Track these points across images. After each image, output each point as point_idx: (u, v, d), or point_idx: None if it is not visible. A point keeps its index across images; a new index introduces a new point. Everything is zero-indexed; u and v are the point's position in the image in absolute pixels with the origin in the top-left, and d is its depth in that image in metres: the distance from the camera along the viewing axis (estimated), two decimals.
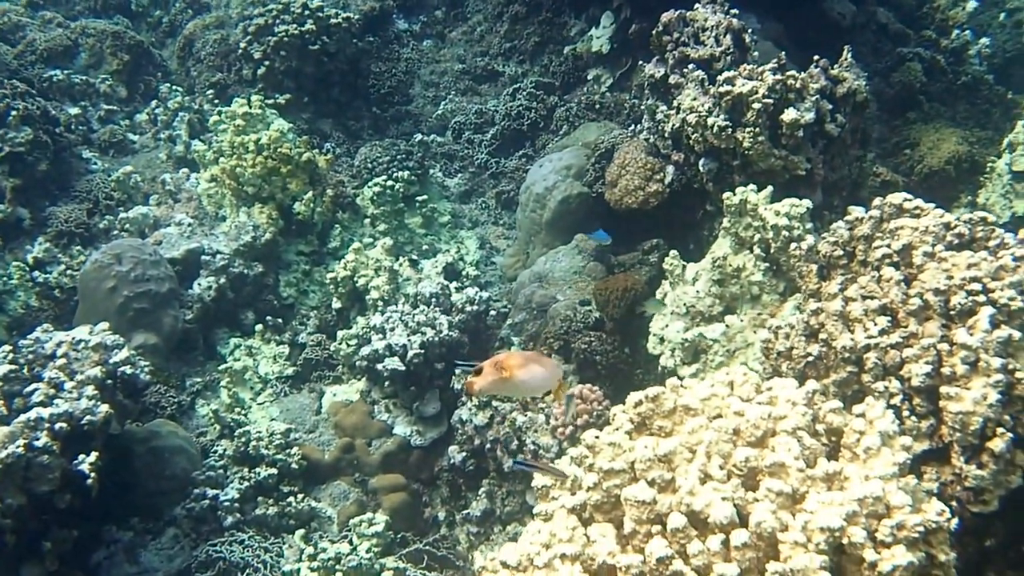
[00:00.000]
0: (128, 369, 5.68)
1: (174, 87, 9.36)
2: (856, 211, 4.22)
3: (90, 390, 5.29)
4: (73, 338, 5.65)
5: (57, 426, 4.99)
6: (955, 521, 3.39)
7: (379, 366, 6.15)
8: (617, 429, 3.23)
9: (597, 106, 8.50)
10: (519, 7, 9.71)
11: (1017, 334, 3.38)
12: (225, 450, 6.17)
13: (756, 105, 5.52)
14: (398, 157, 8.27)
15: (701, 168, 5.97)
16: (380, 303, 6.80)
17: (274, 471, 6.02)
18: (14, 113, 7.87)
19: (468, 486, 5.91)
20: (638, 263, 6.65)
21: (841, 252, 4.19)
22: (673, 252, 5.64)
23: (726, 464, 2.89)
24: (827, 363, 3.85)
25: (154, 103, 9.27)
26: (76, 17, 10.59)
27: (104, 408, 5.24)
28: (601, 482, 2.99)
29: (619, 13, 8.55)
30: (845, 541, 2.65)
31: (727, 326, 5.19)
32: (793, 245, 4.53)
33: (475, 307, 6.40)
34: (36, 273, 7.47)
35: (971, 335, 3.42)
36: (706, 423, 3.03)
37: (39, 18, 10.33)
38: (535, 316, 6.58)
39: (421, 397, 6.20)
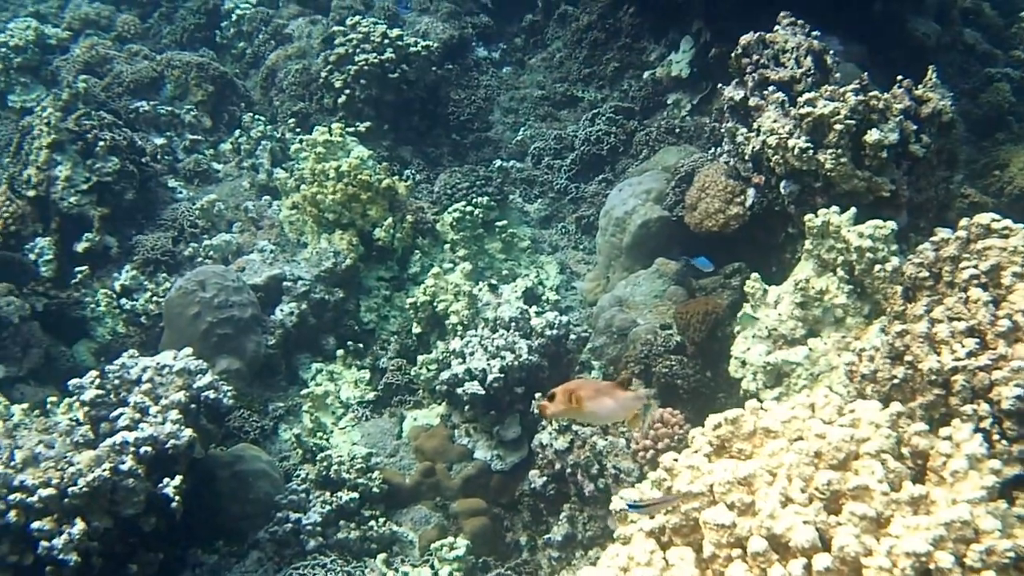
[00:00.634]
0: (212, 394, 5.76)
1: (256, 116, 9.49)
2: (942, 232, 4.14)
3: (174, 414, 5.37)
4: (158, 363, 5.74)
5: (142, 450, 5.08)
6: None
7: (459, 390, 6.15)
8: (696, 452, 3.19)
9: (677, 130, 8.47)
10: (598, 33, 9.74)
11: None
12: (307, 474, 6.21)
13: (838, 126, 5.45)
14: (477, 183, 8.31)
15: (782, 190, 5.91)
16: (459, 328, 6.81)
17: (355, 495, 6.04)
18: (101, 143, 8.04)
19: (549, 510, 5.87)
20: (720, 287, 6.59)
21: (927, 273, 4.10)
22: (754, 275, 5.58)
23: (807, 487, 2.84)
24: (913, 386, 3.77)
25: (237, 132, 9.42)
26: (162, 50, 10.81)
27: (188, 432, 5.31)
28: (679, 505, 2.95)
29: (698, 37, 8.55)
30: (932, 567, 2.58)
31: (810, 349, 5.11)
32: (878, 267, 4.47)
33: (555, 331, 6.37)
34: (123, 300, 7.61)
35: None
36: (787, 445, 2.98)
37: (126, 51, 10.57)
38: (615, 340, 6.55)
39: (501, 421, 6.19)
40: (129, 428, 5.22)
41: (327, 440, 6.65)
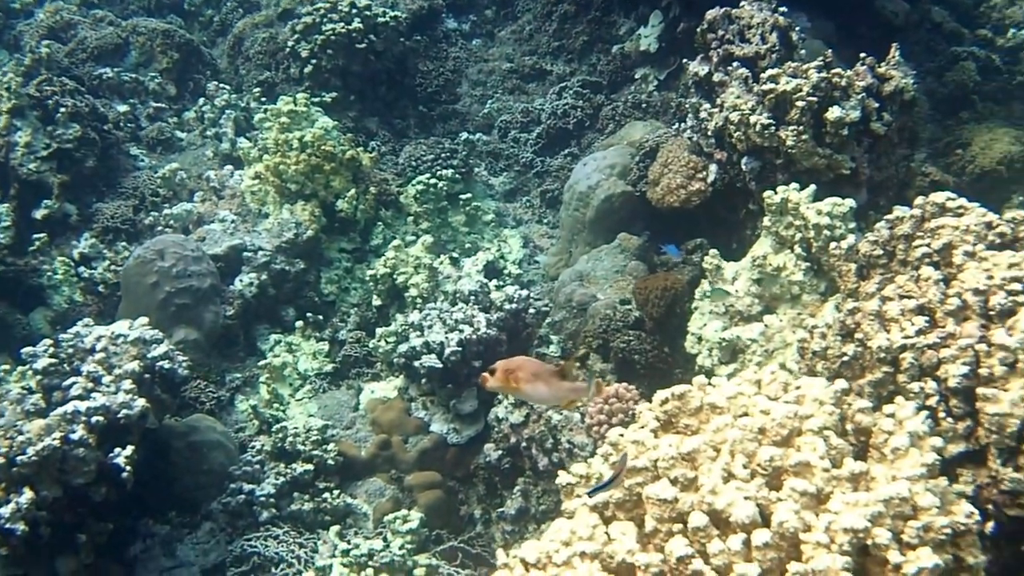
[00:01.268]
0: (166, 364, 5.70)
1: (221, 85, 9.39)
2: (899, 210, 4.13)
3: (128, 384, 5.31)
4: (112, 333, 5.67)
5: (94, 419, 5.03)
6: (991, 524, 3.33)
7: (416, 363, 6.11)
8: (643, 427, 3.18)
9: (644, 105, 8.44)
10: (568, 6, 9.68)
11: None
12: (263, 446, 6.17)
13: (800, 103, 5.43)
14: (442, 155, 8.26)
15: (744, 167, 5.89)
16: (419, 300, 6.77)
17: (310, 467, 6.01)
18: (63, 110, 7.94)
19: (504, 484, 5.86)
20: (681, 262, 6.57)
21: (881, 251, 4.10)
22: (713, 251, 5.57)
23: (750, 463, 2.83)
24: (863, 363, 3.77)
25: (201, 101, 9.31)
26: (129, 16, 10.70)
27: (141, 402, 5.25)
28: (623, 480, 2.93)
29: (668, 12, 8.50)
30: (870, 542, 2.58)
31: (766, 326, 5.11)
32: (833, 244, 4.45)
33: (514, 305, 6.33)
34: (81, 268, 7.54)
35: (1010, 336, 3.33)
36: (732, 421, 2.97)
37: (91, 16, 10.43)
38: (575, 315, 6.53)
39: (458, 395, 6.15)
40: (81, 397, 5.16)
41: (283, 411, 6.61)
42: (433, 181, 7.94)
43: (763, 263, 5.18)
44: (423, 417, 6.27)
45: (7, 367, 5.64)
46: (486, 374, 3.21)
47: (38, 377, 5.32)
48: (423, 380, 6.19)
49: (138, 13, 10.89)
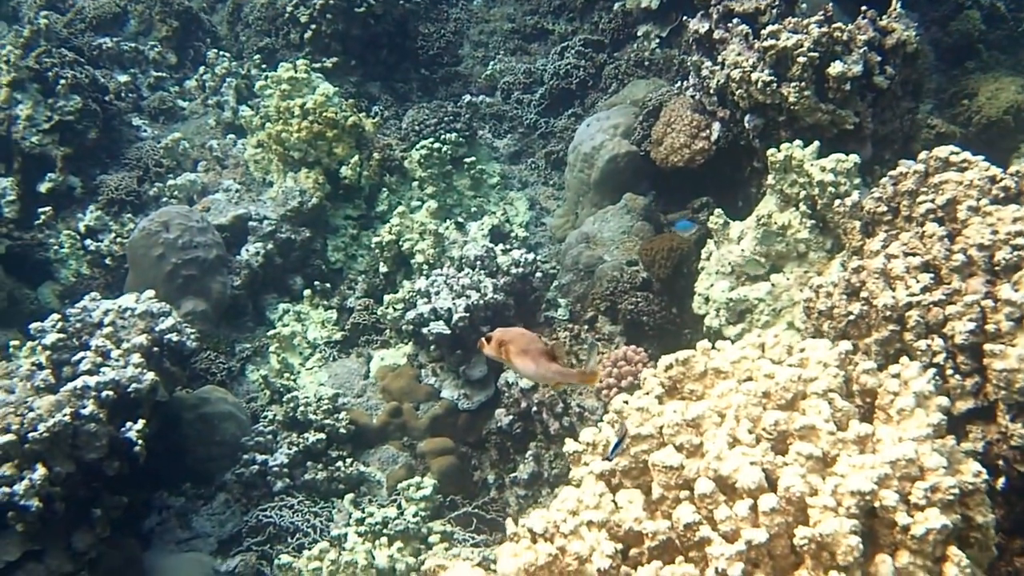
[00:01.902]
0: (174, 336, 5.72)
1: (221, 52, 9.35)
2: (903, 165, 4.09)
3: (136, 358, 5.32)
4: (120, 306, 5.68)
5: (104, 394, 5.04)
6: (1002, 480, 3.33)
7: (425, 330, 6.11)
8: (648, 393, 3.17)
9: (646, 63, 8.38)
10: None
11: None
12: (275, 415, 6.19)
13: (801, 59, 5.39)
14: (445, 119, 8.21)
15: (747, 124, 5.85)
16: (425, 267, 6.77)
17: (322, 436, 6.03)
18: (63, 82, 7.91)
19: (516, 449, 5.87)
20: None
21: (885, 208, 4.07)
22: (717, 211, 5.54)
23: (755, 428, 2.82)
24: (869, 322, 3.75)
25: (202, 69, 9.28)
26: None
27: (150, 376, 5.27)
28: (629, 447, 2.93)
29: None
30: (877, 505, 2.58)
31: (773, 285, 5.09)
32: (837, 201, 4.43)
33: (521, 269, 6.33)
34: (88, 241, 7.54)
35: (1016, 291, 3.32)
36: (736, 386, 2.96)
37: None
38: (582, 277, 6.53)
39: (468, 360, 6.16)
40: (91, 372, 5.17)
41: (294, 381, 6.63)
42: (437, 145, 7.91)
43: (768, 221, 5.15)
44: (433, 383, 6.27)
45: (16, 343, 5.64)
46: (484, 339, 3.24)
47: (47, 352, 5.33)
48: (432, 347, 6.20)
49: None
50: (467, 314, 6.02)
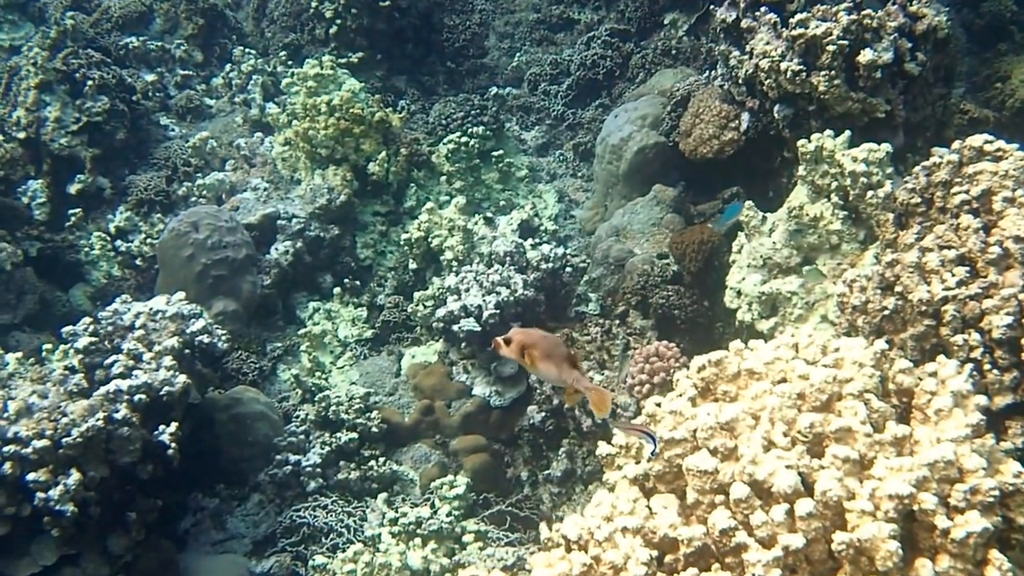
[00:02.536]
0: (205, 338, 5.72)
1: (247, 50, 9.34)
2: (936, 154, 4.03)
3: (168, 360, 5.34)
4: (151, 309, 5.70)
5: (136, 398, 5.06)
6: None
7: (455, 327, 6.10)
8: (680, 395, 3.13)
9: (673, 52, 8.32)
10: None
11: None
12: (307, 415, 6.19)
13: (831, 47, 5.32)
14: (472, 112, 8.19)
15: (776, 114, 5.80)
16: (455, 263, 6.75)
17: (355, 435, 6.02)
18: (90, 83, 7.94)
19: (549, 445, 5.84)
20: (718, 212, 6.52)
21: (919, 199, 4.02)
22: (749, 203, 5.49)
23: (790, 430, 2.78)
24: (904, 316, 3.70)
25: (228, 67, 9.28)
26: None
27: (182, 378, 5.28)
28: (663, 451, 2.90)
29: None
30: (916, 508, 2.53)
31: (805, 278, 5.04)
32: (870, 193, 4.37)
33: (550, 264, 6.29)
34: (118, 242, 7.56)
35: None
36: (770, 388, 2.92)
37: None
38: (612, 271, 6.48)
39: (499, 357, 6.12)
40: (123, 376, 5.19)
41: (326, 380, 6.63)
42: (464, 139, 7.88)
43: (800, 213, 5.10)
44: (465, 381, 6.25)
45: (49, 346, 5.67)
46: (500, 340, 3.16)
47: (79, 356, 5.35)
48: (463, 344, 6.18)
49: None
50: (497, 311, 5.99)
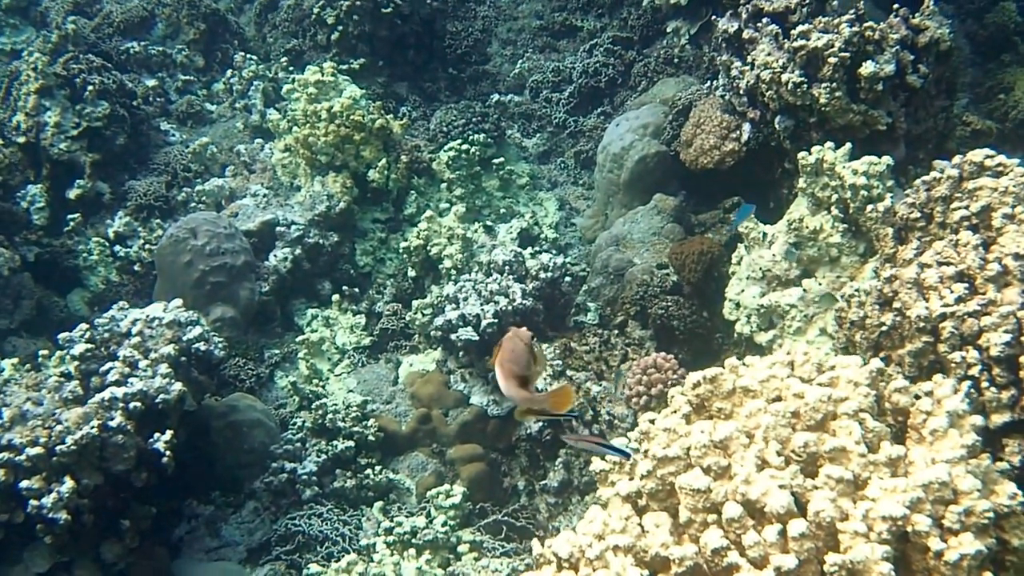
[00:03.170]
0: (202, 346, 5.70)
1: (248, 56, 9.32)
2: (937, 168, 4.00)
3: (164, 368, 5.31)
4: (148, 316, 5.67)
5: (131, 406, 5.04)
6: None
7: (453, 336, 6.08)
8: (675, 412, 3.11)
9: (676, 60, 8.29)
10: None
11: None
12: (303, 422, 6.16)
13: (832, 59, 5.30)
14: (473, 120, 8.17)
15: (777, 126, 5.77)
16: (453, 272, 6.73)
17: (351, 443, 5.99)
18: (91, 88, 7.92)
19: (546, 456, 5.81)
20: (718, 222, 6.50)
21: (919, 214, 3.99)
22: (750, 215, 5.46)
23: (785, 450, 2.76)
24: (902, 332, 3.68)
25: (229, 72, 9.27)
26: None
27: (178, 386, 5.26)
28: (655, 469, 2.88)
29: None
30: (909, 529, 2.51)
31: (804, 290, 5.01)
32: (869, 207, 4.35)
33: (550, 274, 6.27)
34: (117, 248, 7.54)
35: None
36: (764, 406, 2.89)
37: None
38: (612, 281, 6.46)
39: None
40: (118, 383, 5.17)
41: (323, 387, 6.60)
42: (465, 147, 7.86)
43: (799, 226, 5.07)
44: (463, 389, 6.23)
45: (46, 352, 5.65)
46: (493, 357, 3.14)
47: (75, 363, 5.32)
48: (461, 353, 6.16)
49: None
50: (495, 320, 5.97)
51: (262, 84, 8.91)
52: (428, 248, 6.95)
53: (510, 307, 6.03)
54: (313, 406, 6.19)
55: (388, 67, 9.08)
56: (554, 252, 6.80)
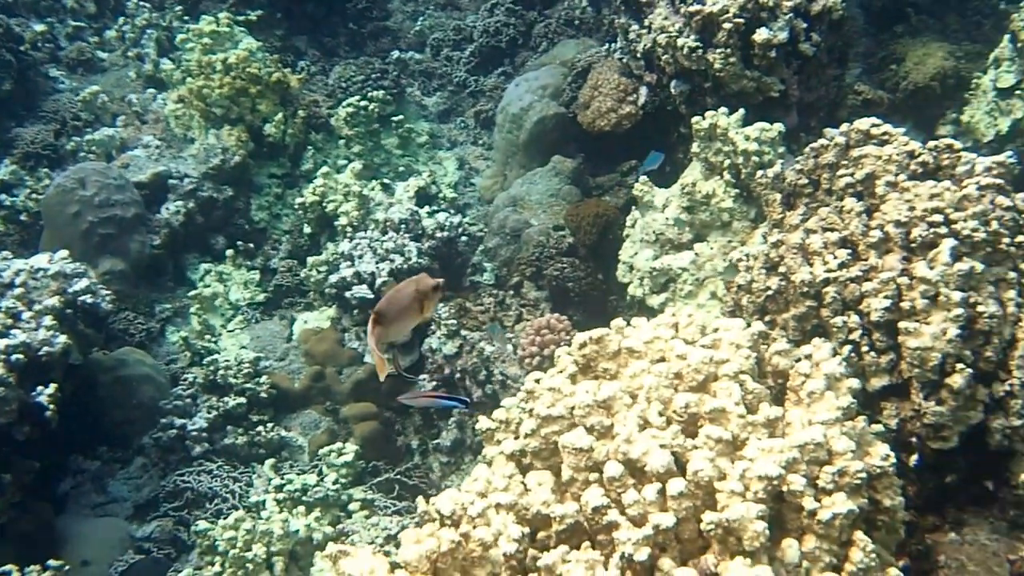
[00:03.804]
0: (89, 298, 5.59)
1: (141, 3, 9.06)
2: (826, 135, 4.07)
3: (48, 320, 5.22)
4: (32, 267, 5.55)
5: (13, 357, 4.94)
6: (915, 457, 3.35)
7: (348, 294, 6.05)
8: (560, 372, 3.12)
9: (577, 22, 8.29)
10: None
11: (979, 266, 3.28)
12: (195, 378, 6.08)
13: (727, 25, 5.35)
14: (372, 76, 8.09)
15: (673, 90, 5.82)
16: (349, 229, 6.67)
17: (243, 400, 5.94)
18: None
19: (439, 415, 5.82)
20: (616, 184, 6.54)
21: (806, 180, 4.05)
22: (643, 178, 5.51)
23: (666, 410, 2.79)
24: (787, 297, 3.74)
25: (121, 19, 9.02)
26: None
27: (62, 339, 5.16)
28: (540, 428, 2.89)
29: None
30: (785, 489, 2.56)
31: (696, 254, 5.08)
32: (759, 172, 4.40)
33: (446, 233, 6.27)
34: (2, 197, 7.32)
35: (931, 268, 3.31)
36: (648, 367, 2.92)
37: None
38: (509, 241, 6.47)
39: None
40: (0, 335, 5.06)
41: (215, 343, 6.52)
42: (364, 103, 7.75)
43: (693, 190, 5.13)
44: (357, 347, 6.21)
45: None
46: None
47: None
48: (355, 311, 6.13)
49: None
50: (390, 278, 5.95)
51: (155, 33, 8.68)
52: (324, 205, 6.88)
53: (405, 266, 6.02)
54: (205, 362, 6.12)
55: (286, 20, 8.91)
56: (452, 212, 6.78)
